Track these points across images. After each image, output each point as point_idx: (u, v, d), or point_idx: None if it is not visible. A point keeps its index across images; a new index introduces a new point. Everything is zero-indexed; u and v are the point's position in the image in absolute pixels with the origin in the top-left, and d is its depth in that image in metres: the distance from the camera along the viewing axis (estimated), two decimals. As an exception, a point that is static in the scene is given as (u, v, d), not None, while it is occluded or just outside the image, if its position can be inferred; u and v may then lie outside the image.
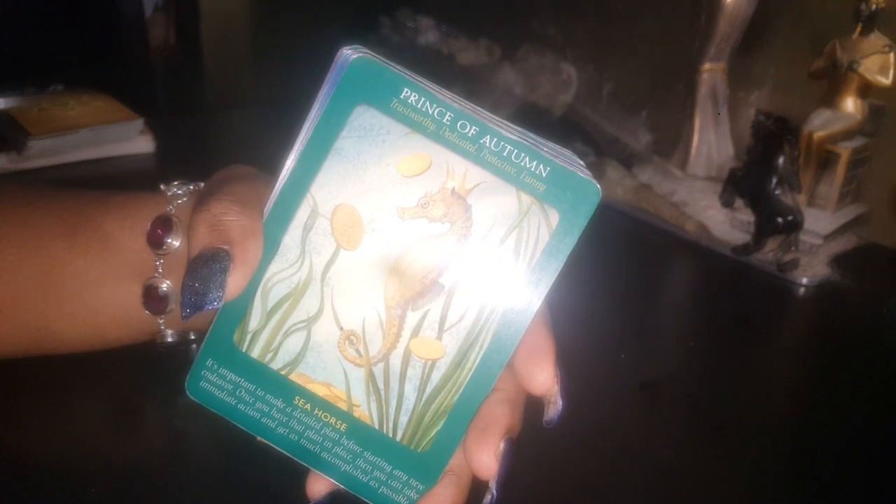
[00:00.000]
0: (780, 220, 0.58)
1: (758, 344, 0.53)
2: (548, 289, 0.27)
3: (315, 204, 0.26)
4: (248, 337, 0.28)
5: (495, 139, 0.26)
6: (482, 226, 0.26)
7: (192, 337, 0.39)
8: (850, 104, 0.64)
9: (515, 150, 0.26)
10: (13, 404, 0.38)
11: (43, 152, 0.68)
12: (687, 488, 0.38)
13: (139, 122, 0.73)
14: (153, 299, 0.35)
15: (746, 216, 0.62)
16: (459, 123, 0.26)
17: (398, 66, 0.26)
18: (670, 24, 0.77)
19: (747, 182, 0.61)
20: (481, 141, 0.26)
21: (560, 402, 0.28)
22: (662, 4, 0.78)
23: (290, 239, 0.27)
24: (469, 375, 0.27)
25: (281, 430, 0.28)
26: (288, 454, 0.28)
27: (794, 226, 0.58)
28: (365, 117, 0.26)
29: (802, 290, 0.58)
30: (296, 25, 0.96)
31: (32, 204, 0.38)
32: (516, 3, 0.89)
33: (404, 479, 0.28)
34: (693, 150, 0.71)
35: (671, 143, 0.73)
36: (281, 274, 0.27)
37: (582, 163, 0.27)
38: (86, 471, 0.35)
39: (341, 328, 0.27)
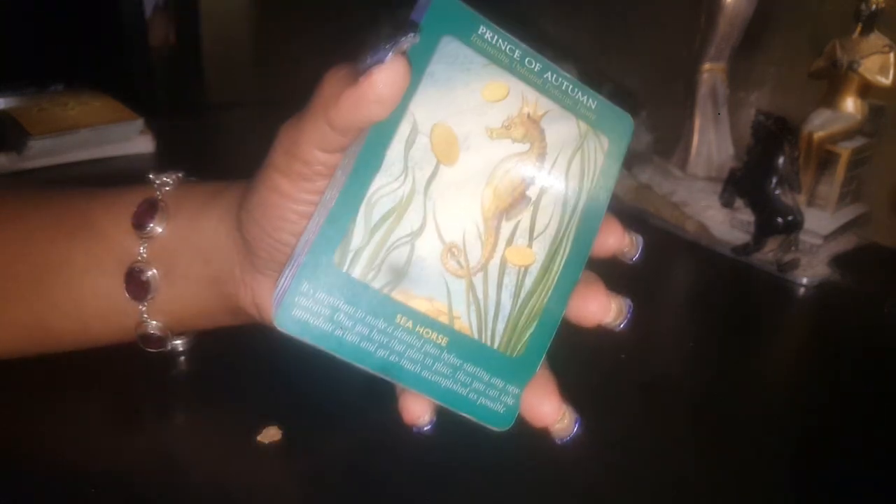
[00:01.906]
0: (779, 220, 0.58)
1: (758, 344, 0.53)
2: (608, 201, 0.31)
3: (415, 122, 0.27)
4: (350, 256, 0.27)
5: (555, 75, 0.30)
6: (554, 147, 0.29)
7: (178, 342, 0.39)
8: (850, 104, 0.64)
9: (571, 86, 0.30)
10: (13, 404, 0.38)
11: (43, 152, 0.68)
12: (687, 488, 0.38)
13: (139, 122, 0.73)
14: (135, 283, 0.35)
15: (746, 216, 0.62)
16: (527, 59, 0.29)
17: (472, 7, 0.28)
18: (670, 25, 0.77)
19: (747, 182, 0.61)
20: (545, 76, 0.29)
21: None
22: (662, 5, 0.78)
23: (394, 154, 0.27)
24: (556, 278, 0.30)
25: (381, 353, 0.28)
26: (387, 378, 0.28)
27: (794, 226, 0.58)
28: (451, 47, 0.28)
29: (802, 289, 0.58)
30: (295, 25, 0.96)
31: (22, 198, 0.38)
32: (517, 2, 0.89)
33: (501, 385, 0.29)
34: (693, 151, 0.71)
35: (671, 143, 0.74)
36: (386, 188, 0.27)
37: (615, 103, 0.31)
38: (86, 471, 0.35)
39: (443, 241, 0.28)
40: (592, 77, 0.79)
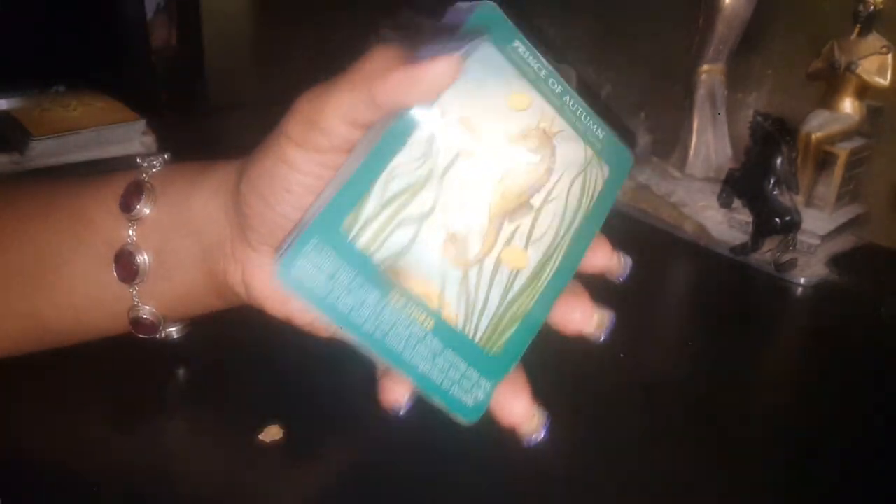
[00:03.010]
0: (777, 220, 0.58)
1: (756, 343, 0.53)
2: (601, 224, 0.32)
3: (444, 111, 0.28)
4: (359, 225, 0.28)
5: (572, 100, 0.32)
6: (561, 165, 0.31)
7: (172, 329, 0.39)
8: (848, 105, 0.64)
9: (584, 113, 0.32)
10: (13, 405, 0.38)
11: (45, 153, 0.68)
12: (686, 488, 0.38)
13: (141, 123, 0.73)
14: (124, 265, 0.35)
15: (744, 216, 0.62)
16: (550, 80, 0.31)
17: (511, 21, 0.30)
18: (669, 26, 0.77)
19: (745, 182, 0.61)
20: (563, 98, 0.31)
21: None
22: (661, 6, 0.79)
23: (420, 135, 0.28)
24: (543, 286, 0.31)
25: (369, 325, 0.28)
26: (369, 349, 0.28)
27: (792, 226, 0.58)
28: (487, 51, 0.29)
29: (800, 289, 0.59)
30: (296, 26, 0.96)
31: (14, 189, 0.39)
32: (516, 3, 0.90)
33: (475, 378, 0.30)
34: (691, 151, 0.71)
35: (670, 143, 0.74)
36: (406, 166, 0.28)
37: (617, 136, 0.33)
38: (87, 469, 0.35)
39: (448, 229, 0.29)
40: (591, 83, 0.79)
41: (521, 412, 0.31)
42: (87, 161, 0.70)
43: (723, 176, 0.66)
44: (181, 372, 0.42)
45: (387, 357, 0.29)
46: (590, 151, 0.32)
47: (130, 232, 0.35)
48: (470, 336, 0.30)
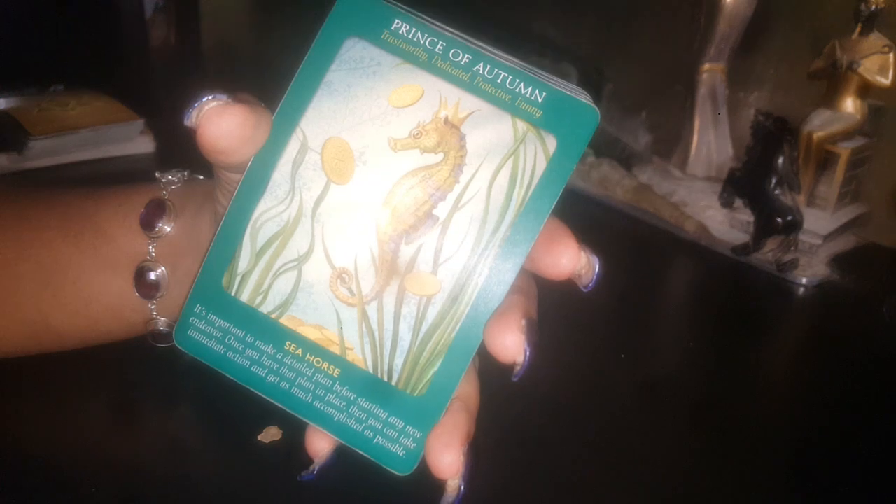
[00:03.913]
0: (779, 220, 0.58)
1: (757, 344, 0.53)
2: (547, 215, 0.26)
3: (305, 138, 0.26)
4: (237, 280, 0.27)
5: (489, 66, 0.26)
6: (477, 155, 0.26)
7: None
8: (850, 104, 0.64)
9: (510, 77, 0.26)
10: (14, 403, 0.38)
11: (43, 152, 0.68)
12: (686, 488, 0.38)
13: (139, 123, 0.73)
14: (145, 282, 0.35)
15: (746, 216, 0.62)
16: (452, 52, 0.26)
17: None
18: (670, 25, 0.77)
19: (747, 182, 0.61)
20: (474, 69, 0.26)
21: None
22: (662, 5, 0.78)
23: (280, 175, 0.26)
24: (467, 310, 0.26)
25: (272, 378, 0.27)
26: (280, 405, 0.27)
27: (794, 226, 0.58)
28: (355, 50, 0.26)
29: (802, 289, 0.58)
30: (296, 26, 0.96)
31: (28, 197, 0.39)
32: (517, 3, 0.89)
33: (400, 426, 0.27)
34: (692, 151, 0.71)
35: (671, 143, 0.74)
36: (270, 211, 0.26)
37: (583, 91, 0.27)
38: (86, 469, 0.35)
39: (333, 266, 0.26)
40: (593, 77, 0.79)
41: (448, 467, 0.26)
42: (86, 161, 0.70)
43: (724, 175, 0.65)
44: (181, 372, 0.42)
45: (297, 411, 0.27)
46: (521, 125, 0.26)
47: (150, 249, 0.35)
48: (384, 379, 0.26)
